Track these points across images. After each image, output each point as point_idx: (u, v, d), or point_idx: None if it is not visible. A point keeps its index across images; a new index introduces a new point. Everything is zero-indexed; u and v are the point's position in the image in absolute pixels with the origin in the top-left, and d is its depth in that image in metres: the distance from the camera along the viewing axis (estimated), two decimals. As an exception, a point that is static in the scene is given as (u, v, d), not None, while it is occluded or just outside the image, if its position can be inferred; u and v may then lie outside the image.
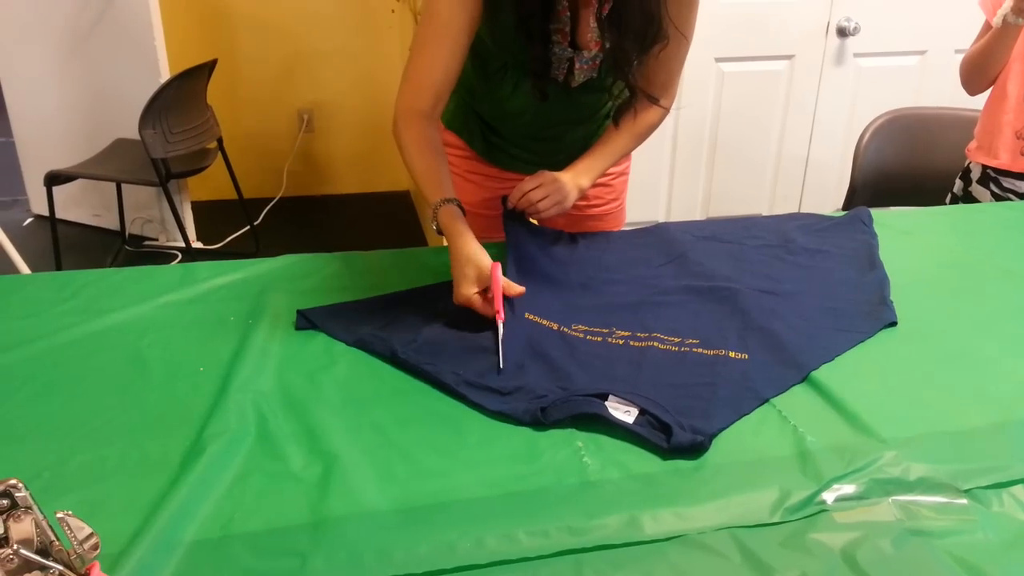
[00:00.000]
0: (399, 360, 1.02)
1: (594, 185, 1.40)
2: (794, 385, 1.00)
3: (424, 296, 1.18)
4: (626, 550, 0.75)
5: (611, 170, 1.46)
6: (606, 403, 0.92)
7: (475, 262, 1.11)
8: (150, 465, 0.84)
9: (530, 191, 1.28)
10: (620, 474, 0.84)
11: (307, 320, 1.11)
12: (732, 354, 1.03)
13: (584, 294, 1.20)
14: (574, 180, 1.31)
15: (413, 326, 1.09)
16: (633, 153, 1.45)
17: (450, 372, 0.99)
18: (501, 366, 1.00)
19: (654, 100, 1.32)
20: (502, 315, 1.07)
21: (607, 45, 1.24)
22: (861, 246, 1.35)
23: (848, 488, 0.82)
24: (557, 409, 0.92)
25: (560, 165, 1.40)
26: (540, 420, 0.91)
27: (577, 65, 1.27)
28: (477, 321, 1.10)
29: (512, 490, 0.82)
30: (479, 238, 1.15)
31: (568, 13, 1.22)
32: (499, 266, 1.12)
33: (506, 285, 1.10)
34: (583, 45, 1.26)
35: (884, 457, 0.86)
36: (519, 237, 1.28)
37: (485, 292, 1.11)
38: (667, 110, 1.37)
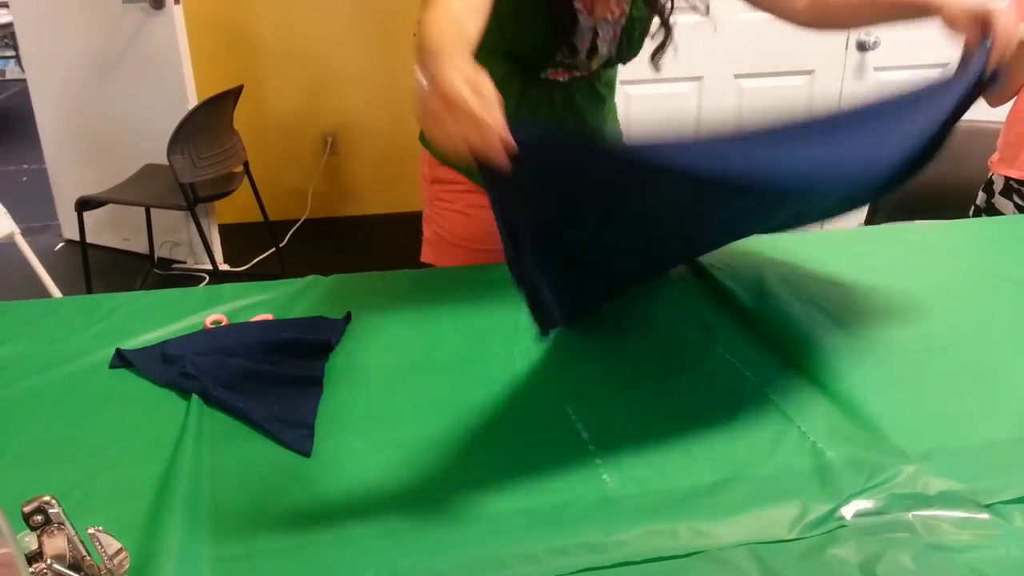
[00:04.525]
0: (211, 400, 0.96)
1: None
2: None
3: (258, 329, 1.12)
4: (646, 567, 0.76)
5: None
6: None
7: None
8: (174, 484, 0.86)
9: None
10: (639, 491, 0.85)
11: (123, 360, 1.05)
12: None
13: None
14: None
15: (230, 355, 1.01)
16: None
17: (260, 408, 0.94)
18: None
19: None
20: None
21: None
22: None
23: (867, 503, 0.82)
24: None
25: None
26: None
27: (600, 35, 1.25)
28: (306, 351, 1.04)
29: (530, 507, 0.83)
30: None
31: None
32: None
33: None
34: (602, 15, 1.24)
35: (904, 471, 0.86)
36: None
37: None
38: None
